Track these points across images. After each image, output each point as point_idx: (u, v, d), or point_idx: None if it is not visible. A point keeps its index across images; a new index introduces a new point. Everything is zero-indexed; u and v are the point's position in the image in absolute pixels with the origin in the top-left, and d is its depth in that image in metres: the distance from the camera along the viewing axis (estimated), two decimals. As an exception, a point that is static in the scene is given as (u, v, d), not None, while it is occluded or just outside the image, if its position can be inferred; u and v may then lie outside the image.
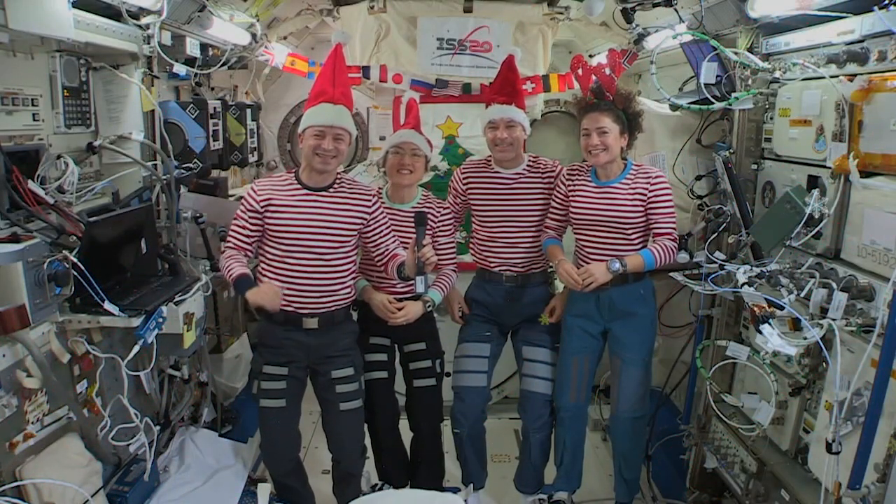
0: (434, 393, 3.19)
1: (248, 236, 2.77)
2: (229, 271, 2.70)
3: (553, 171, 3.14)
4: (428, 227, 2.87)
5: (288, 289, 2.72)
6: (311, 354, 2.82)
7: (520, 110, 3.05)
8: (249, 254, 2.81)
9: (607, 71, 3.03)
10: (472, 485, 3.29)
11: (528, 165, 3.15)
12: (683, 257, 3.09)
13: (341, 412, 2.88)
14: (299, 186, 2.76)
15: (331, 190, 2.77)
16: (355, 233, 2.80)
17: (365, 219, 2.80)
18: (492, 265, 3.18)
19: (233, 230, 2.79)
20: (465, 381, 3.14)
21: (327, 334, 2.80)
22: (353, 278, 2.90)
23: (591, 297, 2.93)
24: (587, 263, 2.92)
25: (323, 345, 2.81)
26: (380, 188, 3.12)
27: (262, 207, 2.72)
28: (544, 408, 3.16)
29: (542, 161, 3.18)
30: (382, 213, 2.88)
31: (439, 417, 3.26)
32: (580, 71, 3.06)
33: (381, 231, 2.86)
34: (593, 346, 3.07)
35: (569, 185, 3.01)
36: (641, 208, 2.86)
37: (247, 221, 2.75)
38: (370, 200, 2.82)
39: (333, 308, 2.80)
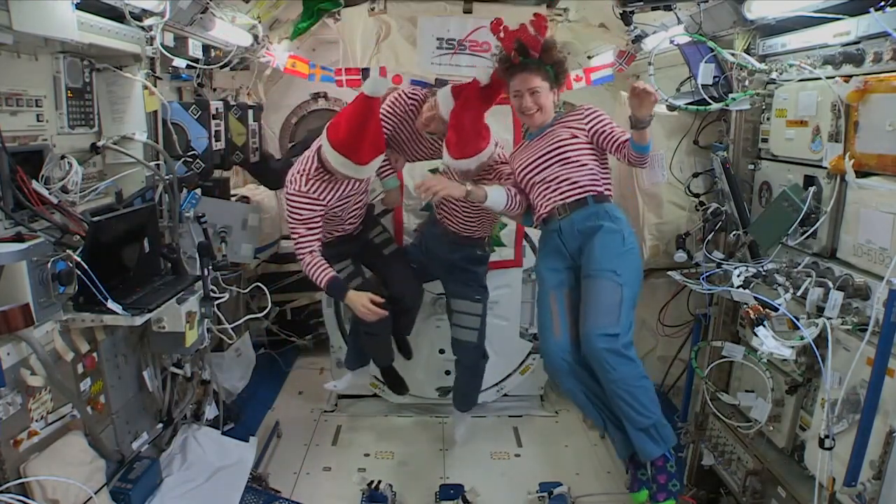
0: (399, 252, 3.71)
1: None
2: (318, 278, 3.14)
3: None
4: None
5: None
6: (357, 242, 3.51)
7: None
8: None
9: (531, 31, 2.78)
10: None
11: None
12: (681, 256, 3.12)
13: (387, 256, 3.58)
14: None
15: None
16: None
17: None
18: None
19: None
20: None
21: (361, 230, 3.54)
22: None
23: (554, 227, 2.81)
24: (543, 202, 2.83)
25: (360, 234, 3.53)
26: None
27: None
28: (475, 353, 3.73)
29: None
30: None
31: (414, 276, 3.68)
32: (502, 34, 2.85)
33: None
34: (564, 277, 2.82)
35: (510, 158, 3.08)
36: (583, 137, 2.77)
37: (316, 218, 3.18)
38: None
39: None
